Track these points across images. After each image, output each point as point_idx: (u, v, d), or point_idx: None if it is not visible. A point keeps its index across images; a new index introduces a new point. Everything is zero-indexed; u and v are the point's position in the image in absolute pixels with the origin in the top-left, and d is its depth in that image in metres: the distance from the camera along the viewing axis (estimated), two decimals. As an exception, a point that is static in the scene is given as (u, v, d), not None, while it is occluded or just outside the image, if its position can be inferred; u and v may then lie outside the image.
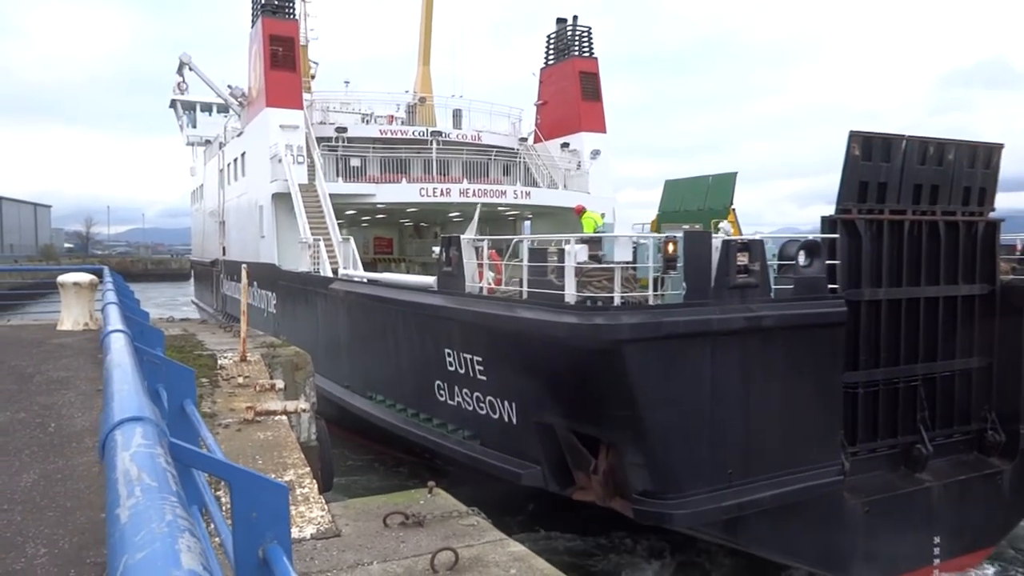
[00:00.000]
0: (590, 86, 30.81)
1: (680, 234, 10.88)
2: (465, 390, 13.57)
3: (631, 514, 11.01)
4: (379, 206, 26.97)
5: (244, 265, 13.84)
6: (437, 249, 16.67)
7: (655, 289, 11.35)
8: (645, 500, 10.74)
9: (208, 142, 41.99)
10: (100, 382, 6.07)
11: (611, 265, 11.17)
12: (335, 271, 20.72)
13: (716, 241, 11.01)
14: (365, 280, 18.88)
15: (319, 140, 26.17)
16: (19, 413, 7.14)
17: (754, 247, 11.25)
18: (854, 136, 12.25)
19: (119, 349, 3.71)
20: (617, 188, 30.46)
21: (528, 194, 27.56)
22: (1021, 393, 13.71)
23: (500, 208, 28.19)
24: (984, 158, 13.75)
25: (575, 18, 31.27)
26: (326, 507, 5.77)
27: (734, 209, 21.91)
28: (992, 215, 14.10)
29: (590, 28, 31.34)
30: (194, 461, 2.40)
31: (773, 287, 11.61)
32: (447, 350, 13.76)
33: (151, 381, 3.81)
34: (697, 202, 23.01)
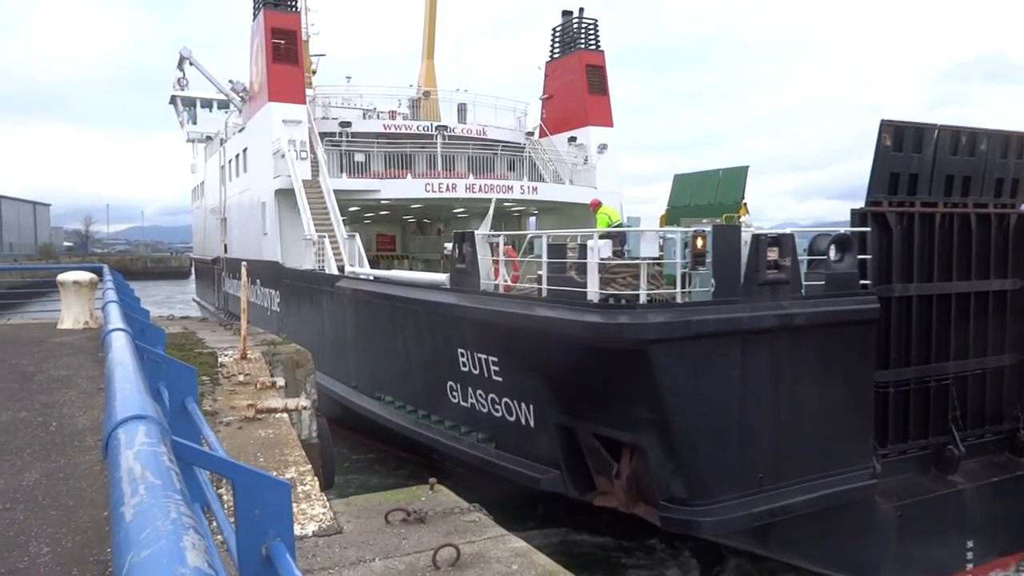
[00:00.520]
0: (596, 79, 30.18)
1: (709, 228, 10.39)
2: (479, 391, 13.12)
3: (657, 521, 10.56)
4: (383, 202, 26.49)
5: (244, 263, 13.72)
6: (449, 245, 16.18)
7: (681, 286, 10.86)
8: (672, 507, 10.28)
9: (209, 138, 41.48)
10: (101, 381, 6.17)
11: (637, 260, 10.69)
12: (341, 268, 20.23)
13: (745, 235, 10.53)
14: (372, 278, 18.40)
15: (322, 135, 25.65)
16: (20, 412, 7.14)
17: (784, 241, 10.77)
18: (885, 126, 11.77)
19: (120, 347, 3.75)
20: (620, 183, 29.98)
21: (535, 189, 27.09)
22: None
23: (506, 204, 27.71)
24: (1017, 148, 13.31)
25: (581, 10, 30.66)
26: (328, 504, 5.76)
27: (746, 204, 21.38)
28: (1024, 207, 13.68)
29: (596, 20, 30.71)
30: (197, 459, 2.43)
31: (804, 283, 11.14)
32: (460, 350, 13.30)
33: (152, 379, 3.85)
34: (708, 197, 22.48)
